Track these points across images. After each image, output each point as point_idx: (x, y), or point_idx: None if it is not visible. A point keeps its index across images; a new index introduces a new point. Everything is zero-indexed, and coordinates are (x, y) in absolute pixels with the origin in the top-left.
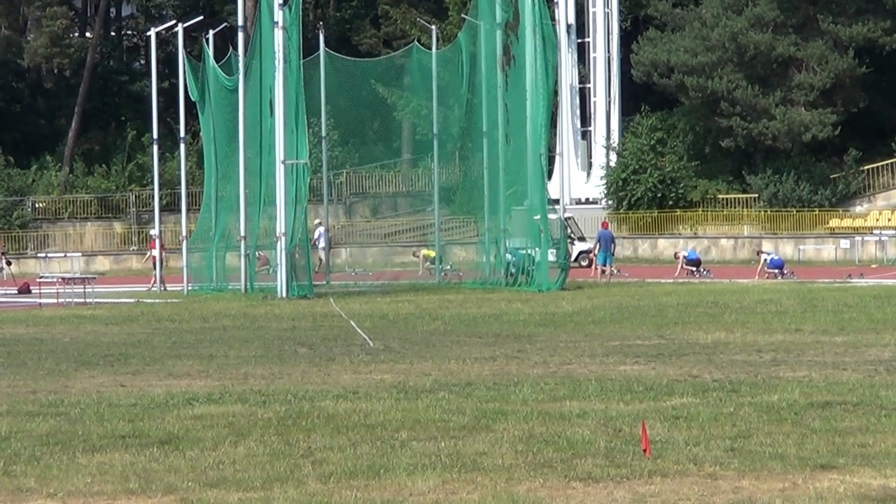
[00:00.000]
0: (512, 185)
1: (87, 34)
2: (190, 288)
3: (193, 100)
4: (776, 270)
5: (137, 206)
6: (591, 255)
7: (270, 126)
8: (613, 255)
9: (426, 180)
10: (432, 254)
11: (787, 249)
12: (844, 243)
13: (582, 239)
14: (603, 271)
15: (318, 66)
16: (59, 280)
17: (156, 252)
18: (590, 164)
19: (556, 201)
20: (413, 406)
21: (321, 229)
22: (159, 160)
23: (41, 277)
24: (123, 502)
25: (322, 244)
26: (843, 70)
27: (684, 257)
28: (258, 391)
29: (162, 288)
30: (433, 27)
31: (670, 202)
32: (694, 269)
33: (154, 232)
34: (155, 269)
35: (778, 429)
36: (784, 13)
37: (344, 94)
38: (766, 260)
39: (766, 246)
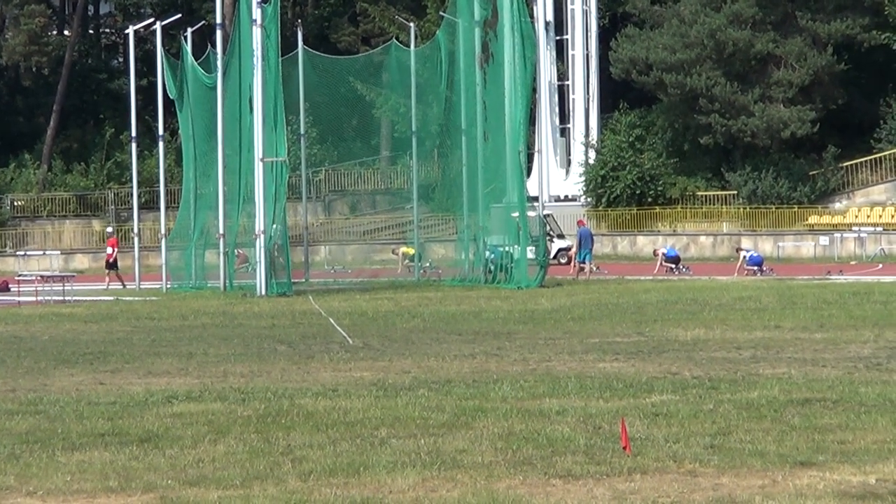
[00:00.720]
0: (491, 183)
1: (66, 32)
2: (169, 286)
3: (172, 98)
4: (755, 267)
5: (116, 204)
6: (571, 252)
7: (249, 124)
8: (592, 252)
9: (405, 178)
10: (411, 251)
11: (767, 246)
12: (824, 240)
13: (561, 236)
14: (581, 269)
15: (296, 63)
16: (38, 278)
17: (109, 250)
18: (569, 162)
19: (535, 198)
20: (392, 403)
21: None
22: (138, 158)
23: (20, 275)
24: (103, 500)
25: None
26: (821, 67)
27: (663, 254)
28: (238, 389)
29: (119, 286)
30: (411, 25)
31: (649, 199)
32: (673, 266)
33: (110, 229)
34: (108, 268)
35: (758, 426)
36: (762, 10)
37: (322, 92)
38: (745, 257)
39: (746, 243)
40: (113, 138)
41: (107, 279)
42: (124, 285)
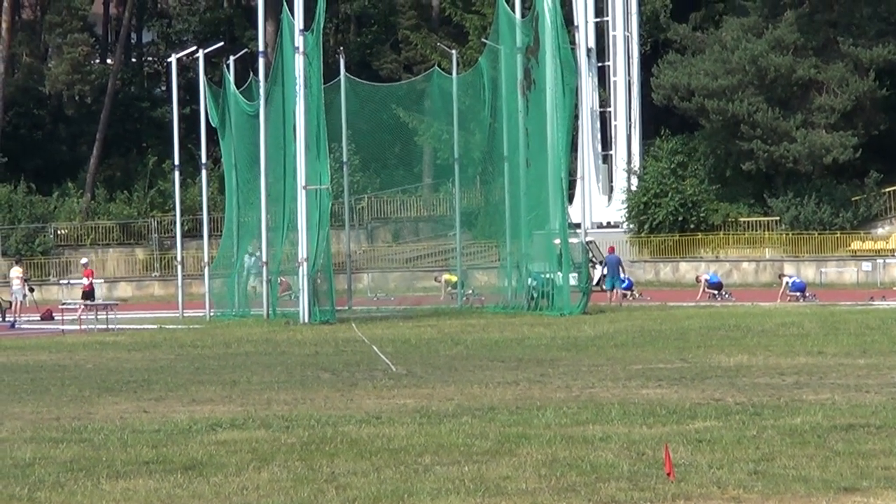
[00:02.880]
0: (533, 210)
1: (108, 61)
2: (212, 314)
3: (214, 126)
4: (798, 293)
5: (159, 233)
6: (601, 279)
7: (292, 151)
8: (621, 278)
9: (447, 205)
10: (454, 278)
11: (809, 272)
12: (866, 266)
13: (602, 263)
14: (612, 295)
15: (338, 91)
16: (82, 307)
17: (86, 281)
18: (611, 188)
19: (578, 225)
20: (436, 430)
21: (250, 260)
22: (181, 186)
23: (64, 304)
24: None
25: (255, 272)
26: (863, 92)
27: (706, 281)
28: (281, 416)
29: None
30: (453, 52)
31: (692, 225)
32: (716, 292)
33: (84, 261)
34: (84, 298)
35: (801, 451)
36: (804, 36)
37: (365, 119)
38: (787, 283)
39: (788, 269)
40: (156, 166)
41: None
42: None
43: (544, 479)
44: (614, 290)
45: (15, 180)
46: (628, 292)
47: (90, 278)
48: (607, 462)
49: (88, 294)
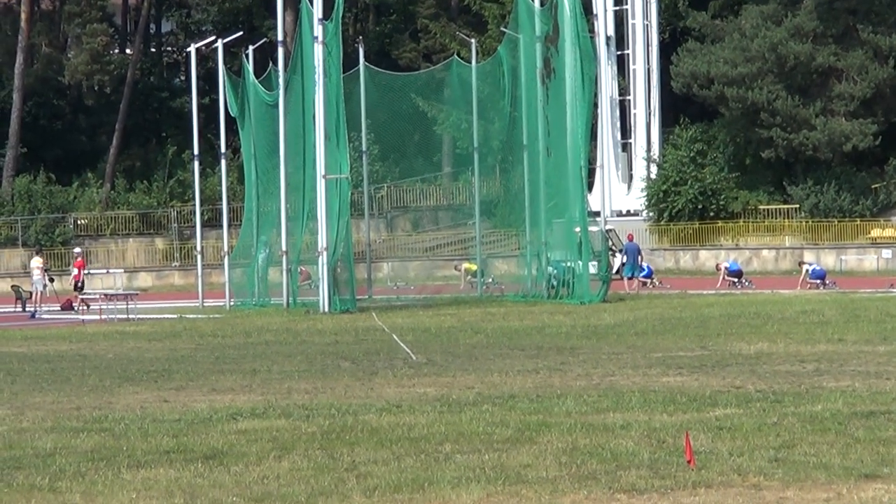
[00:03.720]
0: (553, 198)
1: (128, 51)
2: (232, 303)
3: (233, 115)
4: (818, 281)
5: (179, 222)
6: (621, 267)
7: (312, 141)
8: (641, 266)
9: (467, 194)
10: (474, 267)
11: (829, 260)
12: (886, 253)
13: (622, 251)
14: (631, 283)
15: (357, 80)
16: (102, 296)
17: (76, 271)
18: (630, 176)
19: (597, 213)
20: (457, 419)
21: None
22: (200, 176)
23: (84, 294)
24: None
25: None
26: (883, 80)
27: (726, 269)
28: (302, 405)
29: (82, 308)
30: (473, 41)
31: (711, 213)
32: (736, 280)
33: (77, 250)
34: (76, 289)
35: (822, 439)
36: (824, 23)
37: (384, 109)
38: (807, 270)
39: (808, 256)
40: (175, 156)
41: (78, 302)
42: (88, 307)
43: (564, 467)
44: (633, 278)
45: (35, 171)
46: (648, 280)
47: (81, 269)
48: (627, 450)
49: (78, 285)
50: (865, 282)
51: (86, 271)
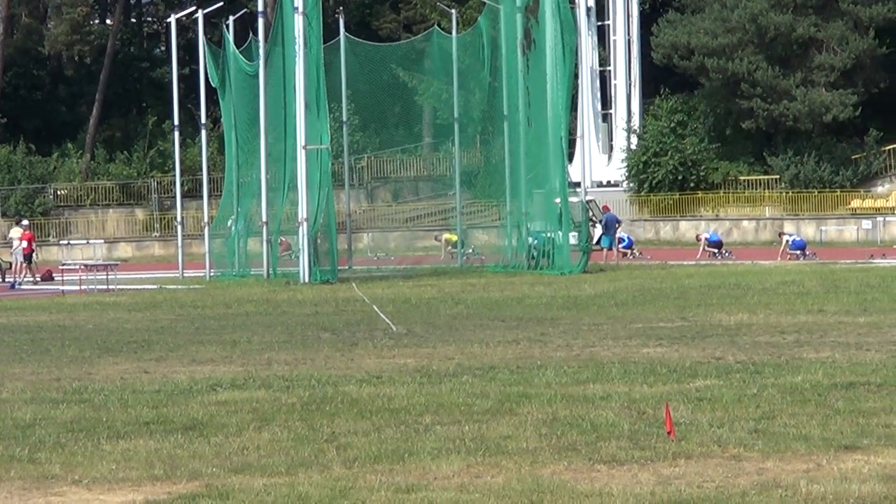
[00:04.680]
0: (533, 169)
1: (108, 21)
2: (212, 274)
3: (214, 86)
4: (798, 252)
5: (159, 193)
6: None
7: (292, 111)
8: (620, 237)
9: (447, 164)
10: (454, 238)
11: (809, 231)
12: (866, 224)
13: (602, 222)
14: (611, 253)
15: (338, 51)
16: (82, 267)
17: (24, 244)
18: (611, 147)
19: (578, 184)
20: (437, 390)
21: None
22: (180, 146)
23: (64, 265)
24: (148, 488)
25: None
26: (863, 50)
27: (706, 239)
28: (282, 376)
29: (31, 279)
30: (453, 11)
31: (691, 184)
32: (716, 251)
33: (25, 223)
34: (25, 260)
35: (802, 410)
36: None
37: (364, 79)
38: (787, 241)
39: (788, 227)
40: (155, 127)
41: (30, 273)
42: (35, 280)
43: (545, 438)
44: (612, 249)
45: (14, 141)
46: (629, 251)
47: (31, 241)
48: (608, 421)
49: (28, 257)
50: (845, 252)
51: (35, 243)
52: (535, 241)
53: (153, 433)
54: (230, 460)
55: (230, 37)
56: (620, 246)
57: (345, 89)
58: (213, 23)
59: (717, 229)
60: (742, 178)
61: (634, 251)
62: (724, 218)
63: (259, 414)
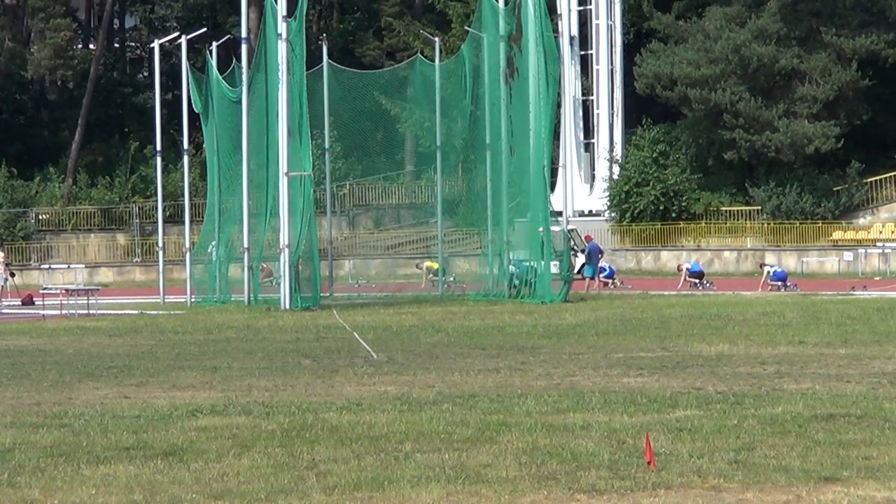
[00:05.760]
0: (515, 198)
1: (91, 46)
2: (193, 300)
3: (197, 111)
4: (779, 283)
5: (141, 218)
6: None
7: (275, 138)
8: (602, 266)
9: (429, 192)
10: (435, 265)
11: (791, 262)
12: (848, 255)
13: (584, 251)
14: (592, 282)
15: (321, 77)
16: (63, 292)
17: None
18: (593, 177)
19: (559, 213)
20: (417, 418)
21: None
22: (162, 172)
23: (45, 289)
24: None
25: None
26: (846, 82)
27: (687, 269)
28: (262, 403)
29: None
30: (436, 39)
31: (673, 214)
32: (697, 281)
33: None
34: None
35: (782, 441)
36: (787, 25)
37: (347, 106)
38: (769, 272)
39: (770, 258)
40: (137, 152)
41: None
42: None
43: (524, 467)
44: (594, 279)
45: None
46: (610, 280)
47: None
48: (588, 450)
49: None
50: (827, 284)
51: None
52: (517, 270)
53: (133, 458)
54: (210, 486)
55: (213, 62)
56: (602, 276)
57: (327, 116)
58: (196, 48)
59: (698, 259)
60: (724, 208)
61: (616, 281)
62: (706, 248)
63: (239, 440)
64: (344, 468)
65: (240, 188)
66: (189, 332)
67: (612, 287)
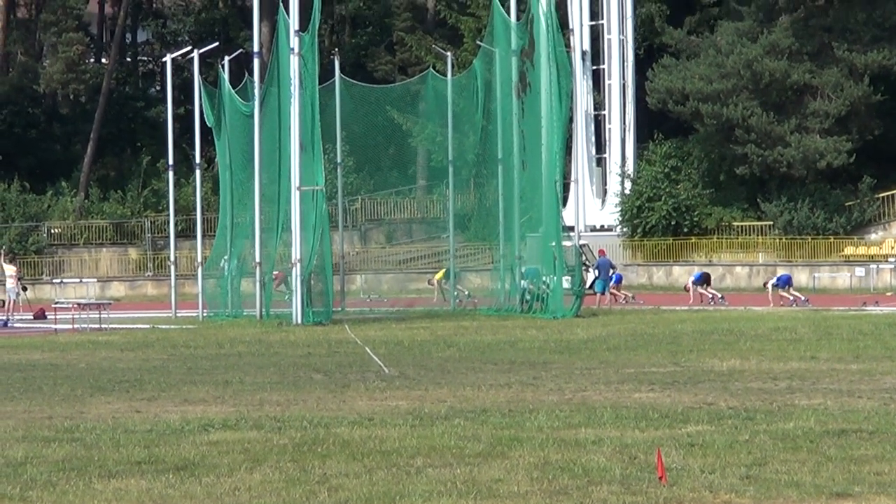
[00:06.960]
0: (527, 212)
1: (103, 60)
2: (205, 314)
3: (209, 126)
4: (785, 286)
5: (153, 232)
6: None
7: (287, 152)
8: (610, 281)
9: (441, 207)
10: (440, 274)
11: (802, 277)
12: (859, 271)
13: (596, 266)
14: (604, 298)
15: (333, 92)
16: (75, 306)
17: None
18: (604, 192)
19: (571, 228)
20: (428, 433)
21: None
22: (175, 186)
23: (57, 303)
24: None
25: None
26: (857, 97)
27: (693, 283)
28: (274, 417)
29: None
30: (448, 54)
31: (685, 230)
32: (704, 287)
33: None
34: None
35: (793, 456)
36: (799, 41)
37: (359, 121)
38: (772, 285)
39: (781, 273)
40: (150, 166)
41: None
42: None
43: (536, 482)
44: (605, 294)
45: (9, 179)
46: (617, 286)
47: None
48: (599, 465)
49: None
50: (838, 299)
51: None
52: (529, 284)
53: (144, 473)
54: (221, 501)
55: (226, 76)
56: (611, 283)
57: (339, 131)
58: (208, 63)
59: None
60: (735, 223)
61: (628, 294)
62: (718, 263)
63: (250, 455)
64: (355, 483)
65: (252, 202)
66: (201, 346)
67: (624, 301)
